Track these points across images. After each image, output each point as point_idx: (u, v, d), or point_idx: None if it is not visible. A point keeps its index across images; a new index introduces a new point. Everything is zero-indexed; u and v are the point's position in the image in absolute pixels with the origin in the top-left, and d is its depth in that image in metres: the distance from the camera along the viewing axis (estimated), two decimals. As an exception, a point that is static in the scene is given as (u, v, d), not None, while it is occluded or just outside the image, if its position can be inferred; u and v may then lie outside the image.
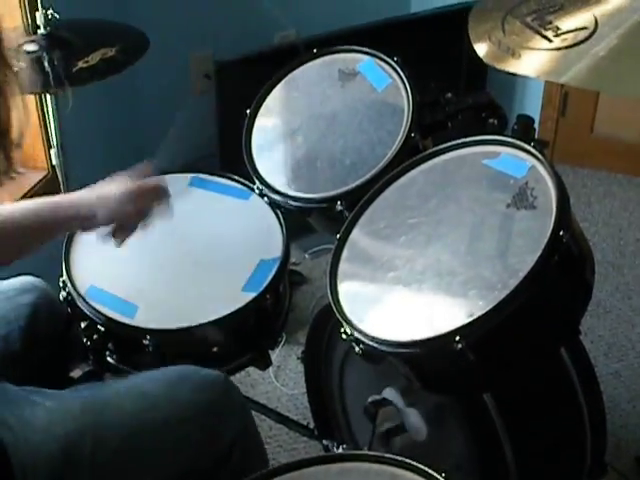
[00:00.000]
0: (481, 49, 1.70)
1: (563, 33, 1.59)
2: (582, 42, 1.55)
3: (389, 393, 1.98)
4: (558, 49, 1.57)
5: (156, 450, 1.59)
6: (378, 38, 2.28)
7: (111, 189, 1.80)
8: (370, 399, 1.97)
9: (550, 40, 1.59)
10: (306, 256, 3.32)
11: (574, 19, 1.63)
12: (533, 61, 1.61)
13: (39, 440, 1.52)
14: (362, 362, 1.82)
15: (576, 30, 1.59)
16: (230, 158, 2.43)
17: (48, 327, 1.88)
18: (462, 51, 3.22)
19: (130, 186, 1.82)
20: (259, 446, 1.78)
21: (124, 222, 1.83)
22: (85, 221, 1.80)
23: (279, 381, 2.85)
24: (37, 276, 1.96)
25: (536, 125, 3.72)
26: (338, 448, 2.17)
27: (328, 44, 2.26)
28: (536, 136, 1.99)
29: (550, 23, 1.62)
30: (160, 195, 1.86)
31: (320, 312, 2.11)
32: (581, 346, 1.99)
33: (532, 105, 3.77)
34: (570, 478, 2.05)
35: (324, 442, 2.26)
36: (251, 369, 2.27)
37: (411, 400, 1.94)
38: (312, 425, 2.37)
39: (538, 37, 1.61)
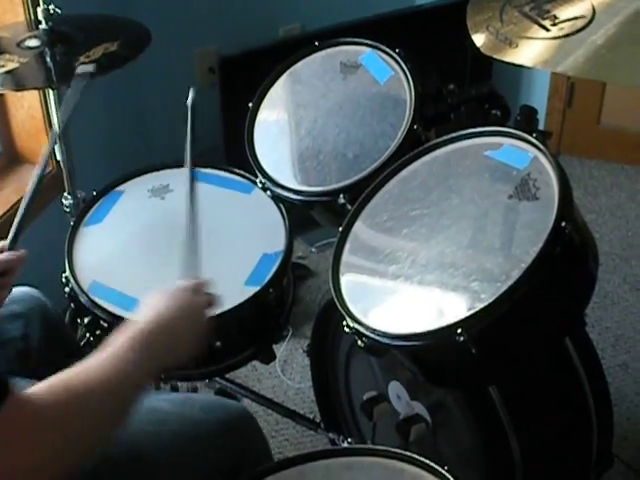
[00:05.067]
0: (479, 39, 1.70)
1: (561, 22, 1.59)
2: (580, 31, 1.54)
3: (394, 387, 1.98)
4: (555, 38, 1.56)
5: (163, 465, 1.59)
6: (384, 31, 2.28)
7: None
8: (365, 396, 1.98)
9: (548, 29, 1.59)
10: (312, 250, 3.32)
11: (572, 8, 1.62)
12: (531, 50, 1.60)
13: None
14: (367, 355, 1.82)
15: (574, 19, 1.58)
16: (235, 152, 2.43)
17: (41, 336, 1.87)
18: (467, 42, 3.21)
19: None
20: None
21: None
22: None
23: (285, 375, 2.85)
24: (34, 287, 1.95)
25: (542, 116, 3.72)
26: (344, 441, 2.18)
27: (333, 37, 2.26)
28: (541, 127, 1.98)
29: (548, 12, 1.62)
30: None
31: (325, 305, 2.11)
32: (587, 337, 1.99)
33: (538, 96, 3.76)
34: (577, 470, 2.05)
35: (330, 435, 2.26)
36: (257, 363, 2.27)
37: (416, 393, 1.94)
38: (318, 419, 2.37)
39: (536, 26, 1.61)
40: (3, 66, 2.09)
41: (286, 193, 2.07)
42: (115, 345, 1.36)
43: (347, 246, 1.86)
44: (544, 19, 1.61)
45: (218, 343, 1.91)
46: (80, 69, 2.05)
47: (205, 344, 1.51)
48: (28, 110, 2.73)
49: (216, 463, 1.61)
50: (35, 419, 1.19)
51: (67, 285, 1.97)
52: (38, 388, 1.24)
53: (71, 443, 1.23)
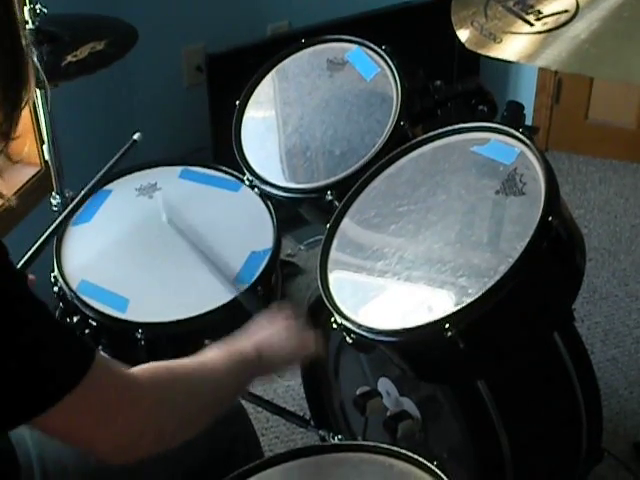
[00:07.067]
0: (463, 35, 1.70)
1: (545, 17, 1.59)
2: (563, 25, 1.55)
3: (383, 383, 1.98)
4: (539, 33, 1.57)
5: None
6: (371, 27, 2.28)
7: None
8: (358, 391, 1.97)
9: (532, 24, 1.59)
10: (301, 247, 3.32)
11: (555, 2, 1.63)
12: (515, 45, 1.61)
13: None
14: (356, 352, 1.82)
15: (557, 13, 1.58)
16: (222, 150, 2.43)
17: None
18: (455, 38, 3.22)
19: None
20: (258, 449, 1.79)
21: None
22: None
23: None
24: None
25: (530, 112, 3.72)
26: (334, 438, 2.18)
27: (321, 35, 2.26)
28: (529, 122, 1.98)
29: (532, 7, 1.62)
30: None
31: (314, 302, 2.10)
32: (575, 332, 1.99)
33: (526, 92, 3.76)
34: (566, 465, 2.05)
35: (320, 432, 2.26)
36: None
37: (405, 389, 1.94)
38: (308, 416, 2.37)
39: (520, 21, 1.61)
40: (-10, 66, 2.08)
41: (274, 190, 2.08)
42: (229, 349, 1.47)
43: (335, 243, 1.86)
44: (528, 14, 1.61)
45: (207, 341, 1.91)
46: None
47: (298, 362, 1.69)
48: (15, 110, 2.72)
49: (206, 449, 1.61)
50: (129, 394, 1.22)
51: (56, 284, 1.97)
52: (141, 368, 1.27)
53: (163, 424, 1.27)
